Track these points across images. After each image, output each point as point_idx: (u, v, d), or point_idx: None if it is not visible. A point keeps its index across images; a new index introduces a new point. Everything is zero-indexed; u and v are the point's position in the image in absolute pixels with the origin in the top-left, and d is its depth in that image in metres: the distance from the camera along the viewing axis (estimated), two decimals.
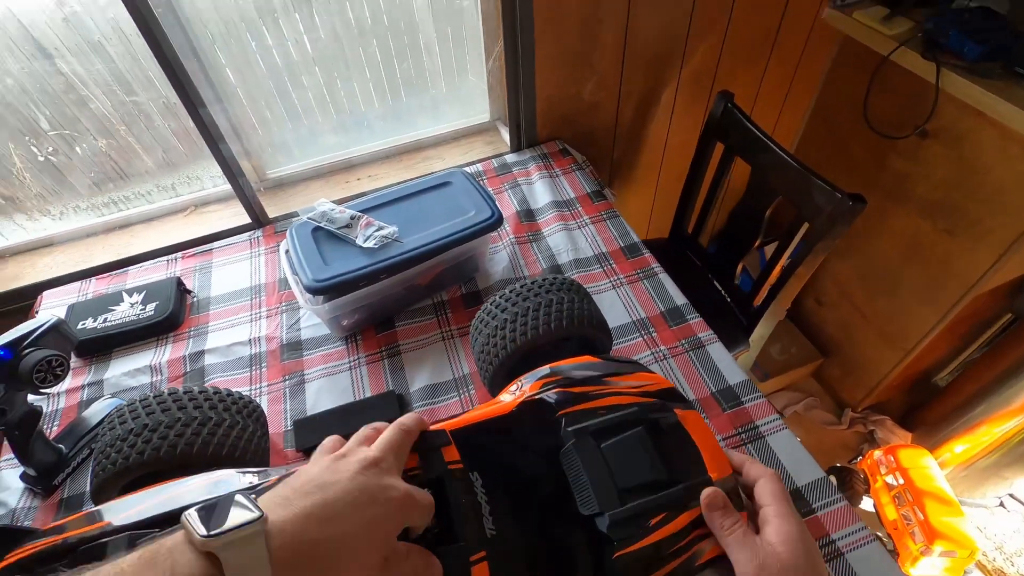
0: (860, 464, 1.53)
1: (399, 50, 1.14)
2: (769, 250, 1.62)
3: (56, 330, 0.70)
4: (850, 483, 1.51)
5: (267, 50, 1.05)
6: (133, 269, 1.02)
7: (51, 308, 0.97)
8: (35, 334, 0.69)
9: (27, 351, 0.67)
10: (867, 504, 1.49)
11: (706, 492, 0.42)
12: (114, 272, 1.01)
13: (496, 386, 0.73)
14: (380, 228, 0.85)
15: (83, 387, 0.85)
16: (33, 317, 0.81)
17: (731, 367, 0.81)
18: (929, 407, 1.64)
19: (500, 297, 0.73)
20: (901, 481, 1.38)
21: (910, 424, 1.66)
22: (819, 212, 0.98)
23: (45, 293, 0.99)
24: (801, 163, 1.00)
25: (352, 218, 0.86)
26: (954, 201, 1.23)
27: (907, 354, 1.47)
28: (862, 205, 0.92)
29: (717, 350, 0.84)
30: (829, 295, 1.69)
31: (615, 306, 0.90)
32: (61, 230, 1.11)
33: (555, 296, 0.70)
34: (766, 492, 0.43)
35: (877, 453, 1.47)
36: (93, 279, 1.01)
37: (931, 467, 1.40)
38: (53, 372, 0.68)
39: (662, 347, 0.84)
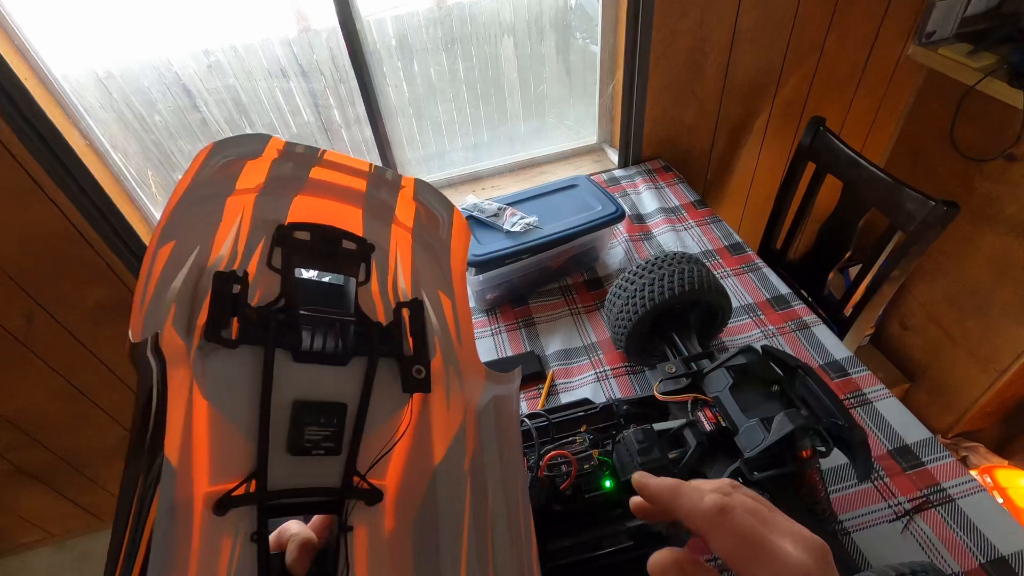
0: None
1: (524, 82, 1.34)
2: (852, 272, 1.68)
3: None
4: None
5: (413, 76, 1.27)
6: None
7: None
8: None
9: None
10: None
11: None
12: None
13: (631, 346, 0.86)
14: (523, 217, 1.01)
15: None
16: None
17: (836, 345, 0.91)
18: None
19: (630, 272, 0.87)
20: (1000, 500, 1.37)
21: (1007, 452, 1.63)
22: (911, 220, 1.08)
23: None
24: (893, 176, 1.10)
25: (499, 209, 1.03)
26: None
27: (1000, 375, 1.48)
28: (955, 210, 1.01)
29: (822, 331, 0.93)
30: (915, 319, 1.72)
31: None
32: None
33: (684, 266, 0.83)
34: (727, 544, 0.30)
35: (972, 473, 1.46)
36: None
37: None
38: None
39: (770, 326, 0.95)
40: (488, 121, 1.39)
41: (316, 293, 0.37)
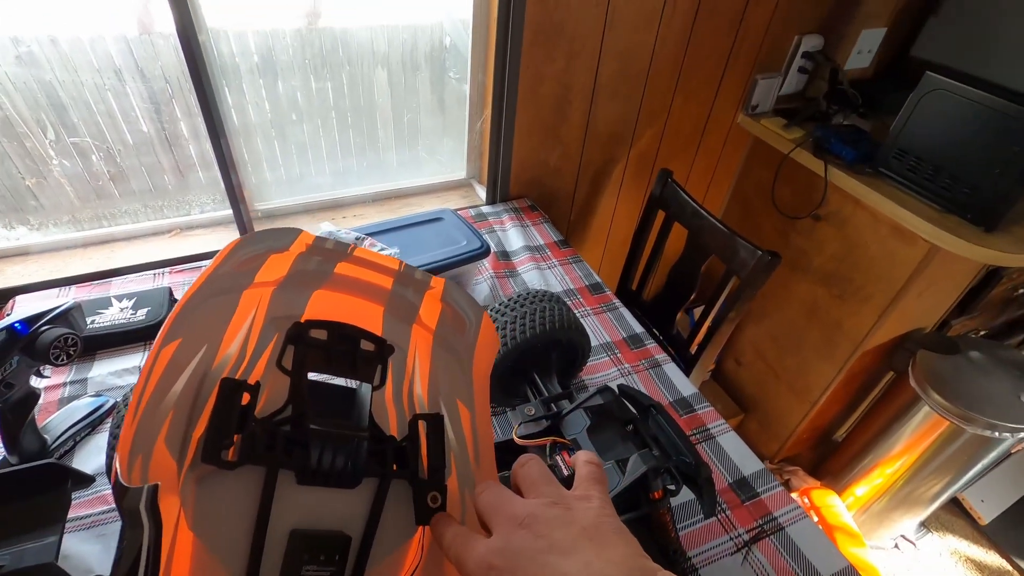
0: None
1: (397, 113, 1.29)
2: (697, 312, 1.84)
3: (72, 313, 0.73)
4: None
5: (278, 96, 1.17)
6: (117, 280, 1.03)
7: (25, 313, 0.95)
8: (52, 314, 0.71)
9: (44, 328, 0.69)
10: None
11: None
12: (97, 282, 1.02)
13: (493, 387, 0.82)
14: (383, 248, 0.95)
15: (64, 384, 0.84)
16: (2, 318, 0.81)
17: (683, 382, 0.95)
18: (831, 460, 1.85)
19: (492, 310, 0.84)
20: (816, 519, 1.54)
21: (819, 474, 1.85)
22: (744, 266, 1.19)
23: (18, 298, 0.98)
24: (729, 227, 1.22)
25: (357, 239, 0.96)
26: (842, 272, 1.50)
27: (812, 406, 1.69)
28: (778, 260, 1.14)
29: (672, 369, 0.98)
30: (747, 356, 1.92)
31: None
32: (37, 241, 1.10)
33: (546, 305, 0.82)
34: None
35: (794, 495, 1.64)
36: (72, 287, 1.01)
37: (837, 505, 1.58)
38: (67, 351, 0.70)
39: (626, 365, 0.97)
40: (357, 149, 1.32)
41: (325, 395, 0.34)
